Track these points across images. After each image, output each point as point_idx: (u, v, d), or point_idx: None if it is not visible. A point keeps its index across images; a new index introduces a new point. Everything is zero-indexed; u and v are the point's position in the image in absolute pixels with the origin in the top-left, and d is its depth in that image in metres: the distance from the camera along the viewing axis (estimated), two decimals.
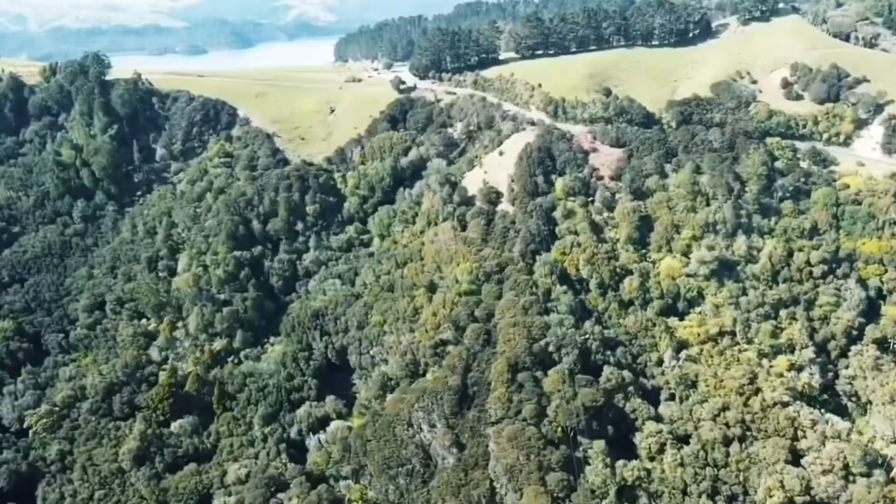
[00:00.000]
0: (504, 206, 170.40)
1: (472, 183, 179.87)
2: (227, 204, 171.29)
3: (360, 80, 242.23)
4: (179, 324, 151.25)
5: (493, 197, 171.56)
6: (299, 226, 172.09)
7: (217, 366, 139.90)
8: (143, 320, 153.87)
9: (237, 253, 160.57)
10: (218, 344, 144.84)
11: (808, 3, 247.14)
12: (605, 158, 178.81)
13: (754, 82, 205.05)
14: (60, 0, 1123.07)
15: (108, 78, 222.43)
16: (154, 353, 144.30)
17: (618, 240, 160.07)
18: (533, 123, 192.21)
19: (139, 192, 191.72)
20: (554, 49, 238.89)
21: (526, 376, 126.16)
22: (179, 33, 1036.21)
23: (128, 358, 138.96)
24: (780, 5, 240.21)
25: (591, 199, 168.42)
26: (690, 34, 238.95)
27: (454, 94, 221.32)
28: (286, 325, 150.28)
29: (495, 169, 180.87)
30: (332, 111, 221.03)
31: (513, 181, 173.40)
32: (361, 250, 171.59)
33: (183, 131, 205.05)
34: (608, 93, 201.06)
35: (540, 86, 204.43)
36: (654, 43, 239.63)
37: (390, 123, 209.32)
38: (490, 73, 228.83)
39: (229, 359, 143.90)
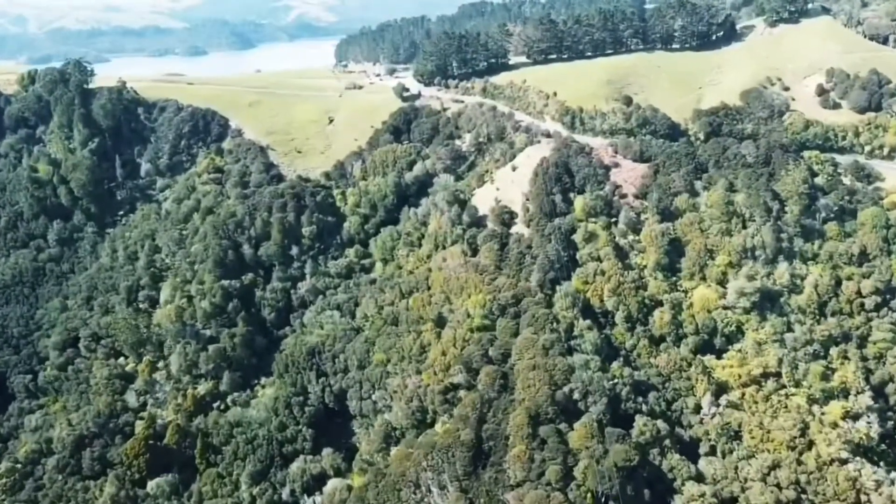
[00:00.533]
0: (519, 227, 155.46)
1: (483, 201, 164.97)
2: (216, 226, 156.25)
3: (360, 87, 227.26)
4: (160, 363, 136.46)
5: (506, 218, 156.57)
6: (294, 250, 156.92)
7: (201, 413, 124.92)
8: (121, 359, 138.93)
9: (225, 282, 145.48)
10: (202, 387, 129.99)
11: (837, 2, 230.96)
12: (629, 174, 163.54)
13: (786, 89, 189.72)
14: (60, 1, 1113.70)
15: (91, 86, 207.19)
16: (131, 398, 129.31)
17: (645, 266, 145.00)
18: (548, 135, 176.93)
19: (121, 212, 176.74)
20: (568, 53, 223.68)
21: (549, 430, 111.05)
22: (179, 34, 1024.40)
23: (101, 405, 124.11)
24: (810, 5, 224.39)
25: (614, 219, 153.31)
26: (713, 37, 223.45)
27: (461, 102, 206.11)
28: (279, 364, 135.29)
29: (508, 185, 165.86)
30: (331, 121, 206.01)
31: (528, 200, 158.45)
32: (362, 276, 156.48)
33: (170, 144, 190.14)
34: (629, 101, 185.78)
35: (555, 94, 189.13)
36: (674, 46, 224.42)
37: (393, 135, 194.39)
38: (500, 79, 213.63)
39: (215, 404, 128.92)
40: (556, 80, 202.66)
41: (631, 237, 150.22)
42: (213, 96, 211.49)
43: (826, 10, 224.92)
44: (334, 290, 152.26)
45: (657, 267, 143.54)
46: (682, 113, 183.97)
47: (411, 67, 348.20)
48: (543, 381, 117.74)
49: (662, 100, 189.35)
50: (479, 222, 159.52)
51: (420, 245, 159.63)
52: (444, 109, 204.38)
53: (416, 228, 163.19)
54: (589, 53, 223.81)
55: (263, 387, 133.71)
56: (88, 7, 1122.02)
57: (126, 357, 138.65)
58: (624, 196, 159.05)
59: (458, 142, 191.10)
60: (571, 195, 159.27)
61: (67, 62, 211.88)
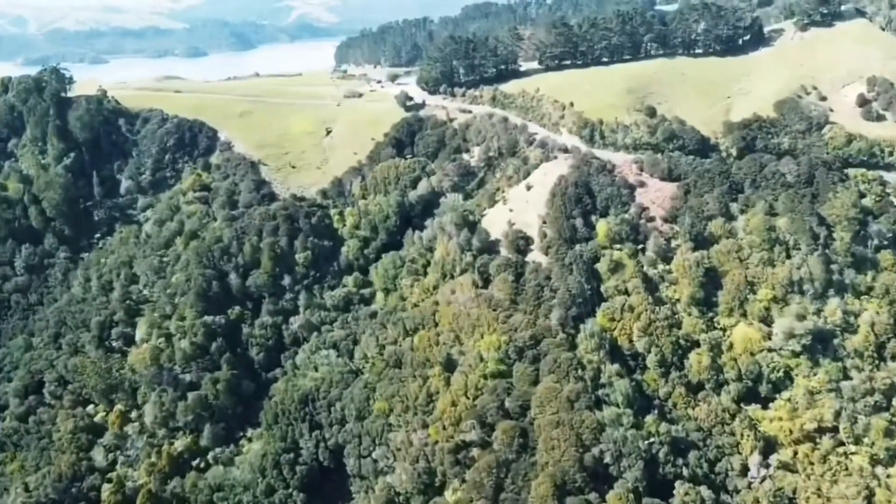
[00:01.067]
0: (535, 255, 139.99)
1: (495, 224, 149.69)
2: (199, 253, 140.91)
3: (360, 95, 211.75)
4: (133, 413, 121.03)
5: (521, 244, 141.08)
6: (286, 279, 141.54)
7: (177, 474, 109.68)
8: (90, 407, 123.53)
9: (209, 318, 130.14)
10: (180, 443, 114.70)
11: (872, 3, 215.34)
12: (656, 195, 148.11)
13: (823, 99, 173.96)
14: (60, 1, 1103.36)
15: (71, 95, 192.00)
16: (98, 456, 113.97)
17: (678, 300, 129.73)
18: (566, 151, 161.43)
19: (97, 235, 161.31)
20: (583, 59, 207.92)
21: (578, 502, 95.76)
22: (179, 35, 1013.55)
23: (64, 465, 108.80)
24: (843, 7, 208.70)
25: (641, 246, 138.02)
26: (740, 41, 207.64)
27: (469, 112, 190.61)
28: (268, 413, 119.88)
29: (522, 206, 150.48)
30: (329, 133, 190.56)
31: (544, 223, 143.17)
32: (362, 309, 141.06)
33: (153, 159, 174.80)
34: (652, 113, 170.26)
35: (571, 105, 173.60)
36: (697, 51, 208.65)
37: (396, 148, 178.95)
38: (510, 87, 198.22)
39: (194, 462, 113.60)
40: (572, 88, 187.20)
41: (661, 267, 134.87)
42: (201, 106, 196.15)
43: (861, 13, 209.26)
44: (330, 325, 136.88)
45: (692, 301, 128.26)
46: (710, 125, 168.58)
47: (413, 71, 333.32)
48: (569, 441, 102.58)
49: (688, 111, 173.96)
50: (490, 248, 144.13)
51: (425, 273, 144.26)
52: (451, 120, 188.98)
53: (421, 254, 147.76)
54: (605, 59, 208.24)
55: (250, 440, 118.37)
56: (88, 8, 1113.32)
57: (96, 405, 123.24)
58: (651, 219, 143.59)
59: (466, 156, 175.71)
60: (593, 218, 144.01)
61: (44, 69, 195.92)
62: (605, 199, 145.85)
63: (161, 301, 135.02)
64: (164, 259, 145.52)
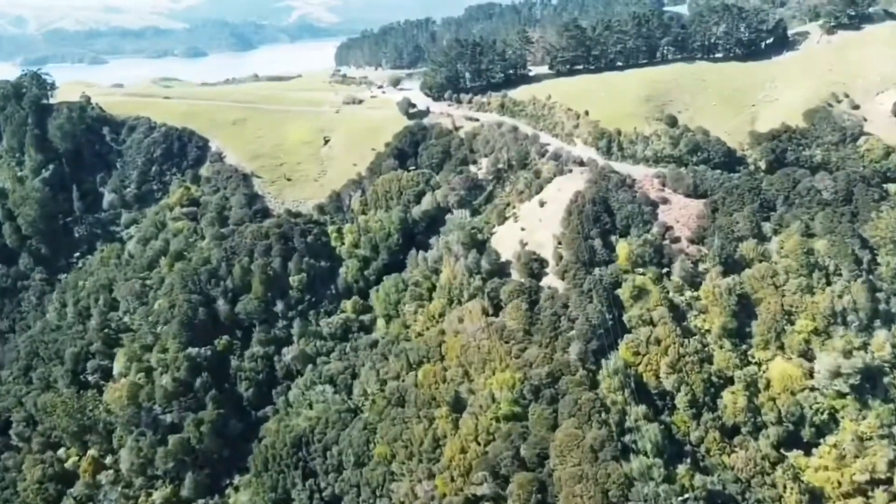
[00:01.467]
0: (550, 279, 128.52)
1: (506, 243, 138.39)
2: (185, 276, 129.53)
3: (360, 102, 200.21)
4: (108, 458, 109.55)
5: (535, 267, 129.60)
6: (279, 305, 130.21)
7: None
8: (61, 450, 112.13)
9: (193, 350, 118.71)
10: (159, 494, 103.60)
11: None
12: (681, 213, 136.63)
13: (856, 108, 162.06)
14: (60, 1, 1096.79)
15: (52, 101, 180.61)
16: None
17: (708, 331, 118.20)
18: (581, 164, 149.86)
19: (77, 254, 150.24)
20: (596, 64, 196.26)
21: None
22: (179, 35, 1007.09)
23: None
24: (871, 9, 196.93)
25: (666, 270, 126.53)
26: (762, 45, 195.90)
27: (476, 120, 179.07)
28: (257, 458, 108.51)
29: (535, 224, 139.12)
30: (327, 142, 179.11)
31: (560, 244, 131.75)
32: (361, 338, 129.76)
33: (139, 171, 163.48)
34: (673, 122, 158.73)
35: (587, 113, 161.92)
36: (717, 56, 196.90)
37: (398, 159, 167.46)
38: (520, 93, 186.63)
39: None
40: (586, 95, 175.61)
41: (688, 293, 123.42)
42: (191, 113, 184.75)
43: (890, 15, 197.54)
44: (327, 356, 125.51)
45: (724, 333, 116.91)
46: (735, 136, 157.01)
47: (416, 74, 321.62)
48: (594, 498, 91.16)
49: (711, 120, 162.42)
50: (501, 270, 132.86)
51: (431, 298, 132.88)
52: (457, 129, 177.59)
53: (426, 277, 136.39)
54: (620, 64, 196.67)
55: (237, 489, 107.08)
56: (88, 7, 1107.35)
57: (67, 448, 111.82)
58: (676, 240, 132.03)
59: (473, 168, 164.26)
60: (613, 238, 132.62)
61: (24, 73, 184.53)
62: (626, 218, 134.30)
63: (142, 330, 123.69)
64: (147, 282, 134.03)
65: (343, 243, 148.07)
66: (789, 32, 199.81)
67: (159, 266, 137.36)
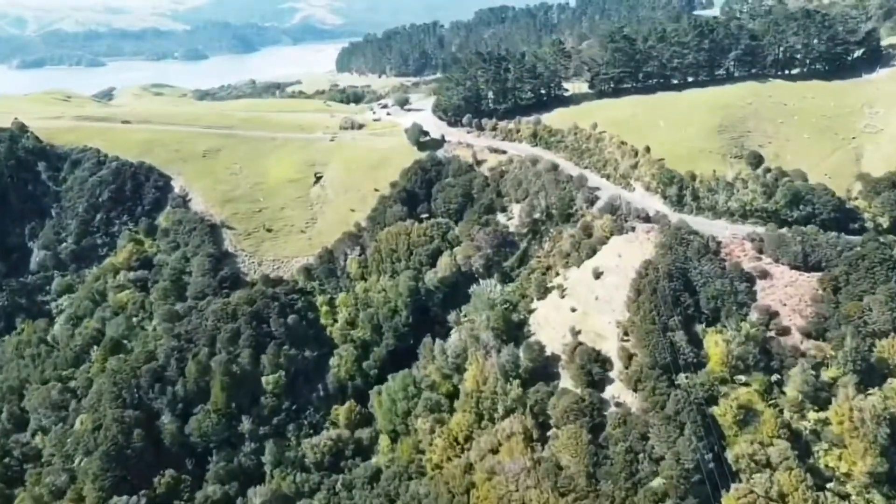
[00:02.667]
0: (617, 388, 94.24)
1: (550, 327, 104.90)
2: (119, 381, 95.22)
3: (360, 127, 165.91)
4: None
5: (593, 372, 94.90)
6: (245, 423, 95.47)
7: None
8: None
9: (121, 501, 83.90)
10: None
11: None
12: (787, 292, 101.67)
13: None
14: (60, 2, 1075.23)
15: None
16: None
17: (847, 475, 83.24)
18: (647, 218, 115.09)
19: None
20: (646, 82, 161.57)
21: None
22: (179, 37, 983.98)
23: None
24: None
25: (776, 378, 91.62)
26: (849, 59, 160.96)
27: (503, 152, 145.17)
28: None
29: (588, 302, 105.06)
30: (318, 180, 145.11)
31: (626, 335, 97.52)
32: (357, 467, 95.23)
33: (79, 220, 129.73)
34: (757, 160, 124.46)
35: (648, 150, 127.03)
36: (793, 72, 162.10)
37: (407, 204, 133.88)
38: (555, 118, 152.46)
39: None
40: (640, 123, 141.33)
41: (813, 415, 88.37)
42: (153, 142, 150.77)
43: None
44: (310, 496, 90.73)
45: (872, 479, 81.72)
46: (838, 179, 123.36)
47: (423, 83, 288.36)
48: None
49: (804, 157, 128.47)
50: (546, 370, 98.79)
51: (452, 408, 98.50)
52: (479, 163, 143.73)
53: (446, 376, 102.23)
54: (676, 82, 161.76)
55: None
56: (89, 8, 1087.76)
57: None
58: (785, 332, 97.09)
59: (501, 217, 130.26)
60: (698, 327, 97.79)
61: None
62: (713, 299, 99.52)
63: (55, 465, 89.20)
64: (71, 384, 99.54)
65: (335, 321, 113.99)
66: (882, 44, 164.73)
67: (90, 359, 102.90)
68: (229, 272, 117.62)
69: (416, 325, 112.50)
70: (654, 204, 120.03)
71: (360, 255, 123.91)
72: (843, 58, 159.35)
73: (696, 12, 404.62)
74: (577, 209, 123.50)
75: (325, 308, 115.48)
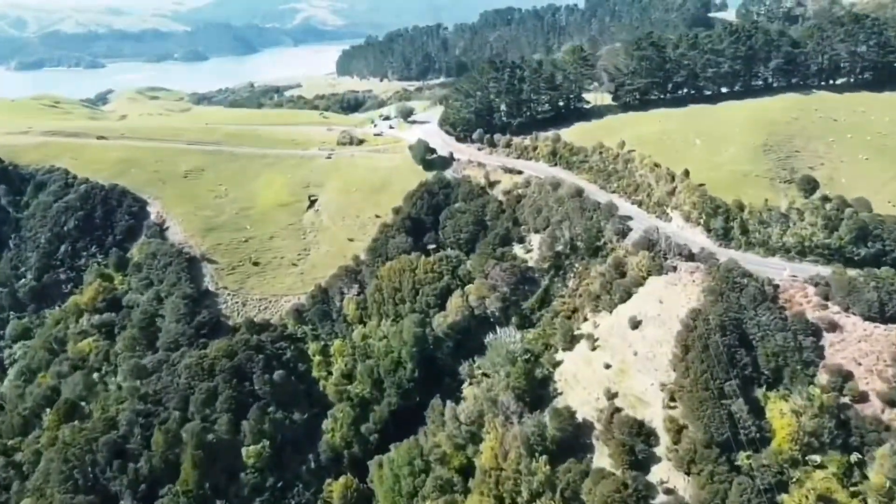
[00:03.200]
0: (664, 468, 78.75)
1: (579, 387, 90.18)
2: (70, 457, 79.71)
3: (360, 142, 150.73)
4: None
5: (636, 450, 79.28)
6: None
7: None
8: None
9: None
10: None
11: None
12: (861, 349, 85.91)
13: None
14: (61, 3, 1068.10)
15: None
16: None
17: None
18: (690, 256, 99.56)
19: None
20: (675, 93, 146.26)
21: None
22: (180, 38, 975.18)
23: None
24: None
25: (856, 458, 76.10)
26: None
27: (519, 172, 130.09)
28: None
29: (625, 357, 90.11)
30: (312, 204, 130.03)
31: (673, 402, 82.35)
32: None
33: (41, 252, 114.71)
34: (811, 186, 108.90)
35: (686, 174, 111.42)
36: (838, 82, 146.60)
37: (412, 233, 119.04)
38: (576, 133, 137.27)
39: None
40: (673, 141, 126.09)
41: None
42: (130, 160, 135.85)
43: None
44: None
45: None
46: None
47: (426, 87, 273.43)
48: None
49: (864, 182, 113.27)
50: (577, 439, 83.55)
51: (466, 489, 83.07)
52: (492, 184, 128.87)
53: (458, 446, 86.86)
54: (709, 92, 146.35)
55: None
56: (90, 9, 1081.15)
57: None
58: (861, 398, 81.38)
59: (518, 249, 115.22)
60: (757, 393, 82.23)
61: None
62: (774, 357, 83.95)
63: None
64: (17, 459, 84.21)
65: (330, 373, 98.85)
66: None
67: (41, 424, 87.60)
68: (208, 316, 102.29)
69: (424, 379, 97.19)
70: (697, 237, 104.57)
71: (358, 294, 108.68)
72: (894, 66, 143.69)
73: (710, 14, 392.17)
74: (605, 241, 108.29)
75: (318, 358, 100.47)
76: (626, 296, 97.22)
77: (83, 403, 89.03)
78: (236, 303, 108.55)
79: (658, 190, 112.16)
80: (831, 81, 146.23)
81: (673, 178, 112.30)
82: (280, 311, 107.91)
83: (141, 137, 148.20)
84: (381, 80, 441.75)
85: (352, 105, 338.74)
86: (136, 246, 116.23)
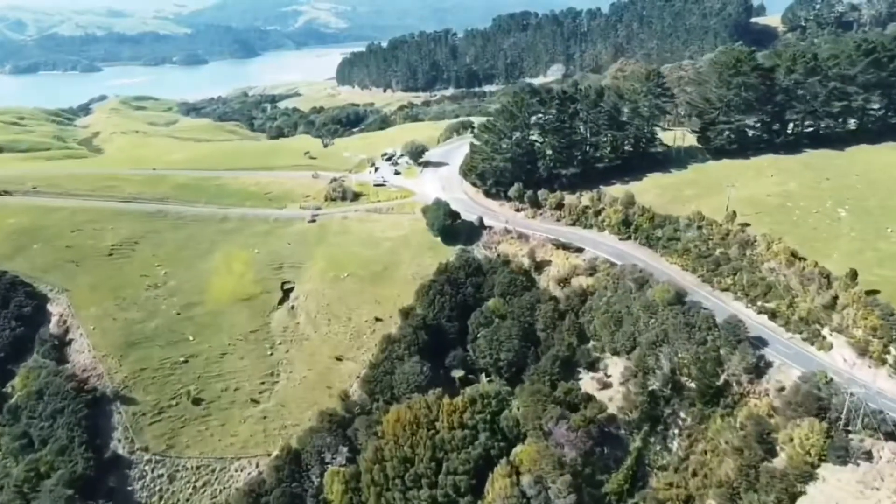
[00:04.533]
0: None
1: None
2: None
3: (356, 197, 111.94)
4: None
5: None
6: None
7: None
8: None
9: None
10: None
11: None
12: None
13: None
14: (62, 5, 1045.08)
15: None
16: None
17: None
18: (890, 435, 60.37)
19: None
20: (783, 135, 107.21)
21: None
22: (179, 41, 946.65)
23: None
24: None
25: None
26: None
27: (579, 250, 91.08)
28: None
29: None
30: (286, 295, 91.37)
31: None
32: None
33: None
34: None
35: (855, 277, 72.13)
36: None
37: (428, 352, 79.62)
38: (647, 189, 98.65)
39: None
40: (803, 209, 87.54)
41: None
42: (35, 229, 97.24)
43: None
44: None
45: None
46: None
47: (433, 100, 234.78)
48: None
49: None
50: None
51: None
52: (539, 266, 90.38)
53: None
54: (826, 131, 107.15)
55: None
56: (90, 11, 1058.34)
57: None
58: None
59: (587, 378, 76.76)
60: None
61: None
62: None
63: None
64: None
65: None
66: None
67: None
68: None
69: None
70: (885, 384, 65.54)
71: (346, 464, 69.92)
72: None
73: (752, 19, 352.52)
74: (731, 376, 69.69)
75: None
76: (785, 495, 58.55)
77: None
78: (160, 478, 69.92)
79: (806, 300, 73.00)
80: None
81: (828, 281, 73.31)
82: (228, 491, 69.22)
83: (58, 192, 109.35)
84: (385, 91, 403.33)
85: (352, 120, 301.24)
86: (20, 373, 77.81)
